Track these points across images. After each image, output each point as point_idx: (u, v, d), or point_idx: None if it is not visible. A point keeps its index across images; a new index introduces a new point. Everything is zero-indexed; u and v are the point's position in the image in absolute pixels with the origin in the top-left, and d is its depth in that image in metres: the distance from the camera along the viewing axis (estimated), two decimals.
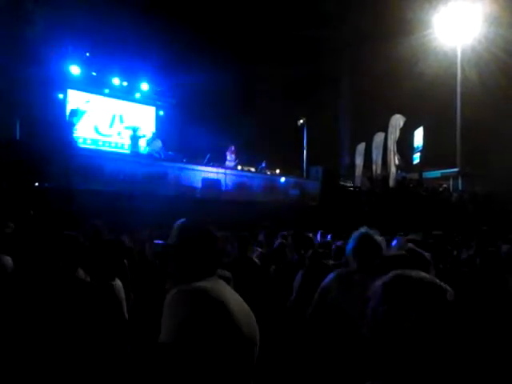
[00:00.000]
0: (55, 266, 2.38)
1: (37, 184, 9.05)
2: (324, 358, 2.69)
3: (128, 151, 15.45)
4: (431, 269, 3.14)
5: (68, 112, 12.70)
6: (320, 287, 2.91)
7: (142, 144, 15.64)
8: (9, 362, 1.92)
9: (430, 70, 22.91)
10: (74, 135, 12.49)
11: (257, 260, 4.34)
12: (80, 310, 2.22)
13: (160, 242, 2.61)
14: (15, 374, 1.90)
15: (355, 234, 2.88)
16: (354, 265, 2.82)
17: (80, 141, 15.63)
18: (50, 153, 9.36)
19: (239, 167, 15.69)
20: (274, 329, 3.55)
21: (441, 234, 4.87)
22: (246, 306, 1.69)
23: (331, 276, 2.90)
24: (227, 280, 3.02)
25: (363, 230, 2.88)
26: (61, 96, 15.70)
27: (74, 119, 12.18)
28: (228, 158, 15.31)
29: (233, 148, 15.46)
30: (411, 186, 18.87)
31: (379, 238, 2.85)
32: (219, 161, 15.18)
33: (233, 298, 1.62)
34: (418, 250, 2.87)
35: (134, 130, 15.24)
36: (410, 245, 3.30)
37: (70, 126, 11.79)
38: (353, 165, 22.21)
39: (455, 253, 4.86)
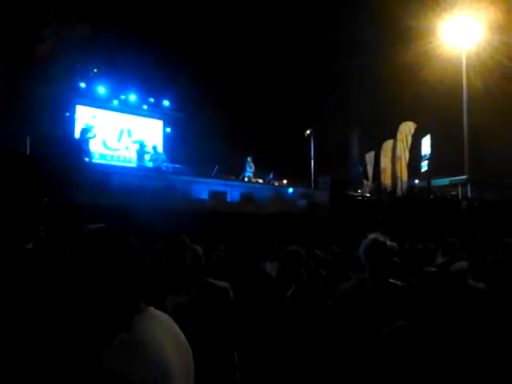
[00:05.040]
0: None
1: (46, 199, 9.10)
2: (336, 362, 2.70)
3: (135, 165, 15.57)
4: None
5: (80, 130, 13.10)
6: (338, 291, 2.94)
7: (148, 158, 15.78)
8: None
9: (436, 77, 22.91)
10: (91, 150, 12.85)
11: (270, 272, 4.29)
12: None
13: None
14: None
15: (366, 239, 2.91)
16: (367, 271, 2.86)
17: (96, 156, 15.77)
18: (59, 168, 9.44)
19: (245, 179, 15.73)
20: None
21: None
22: (180, 340, 1.37)
23: (351, 282, 2.96)
24: (224, 292, 2.97)
25: (373, 235, 2.91)
26: (68, 113, 15.88)
27: (88, 136, 12.56)
28: (248, 169, 15.59)
29: (250, 159, 15.73)
30: (419, 194, 18.77)
31: (390, 243, 2.89)
32: (228, 172, 15.27)
33: (167, 339, 1.28)
34: None
35: (142, 144, 15.36)
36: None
37: (84, 143, 12.13)
38: (361, 174, 22.15)
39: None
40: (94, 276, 1.23)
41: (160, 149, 17.13)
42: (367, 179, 21.42)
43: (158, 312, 1.36)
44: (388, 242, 2.87)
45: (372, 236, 2.90)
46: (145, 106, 18.43)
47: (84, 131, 12.71)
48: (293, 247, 3.38)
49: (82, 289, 1.23)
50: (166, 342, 1.26)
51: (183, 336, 1.40)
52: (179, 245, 3.18)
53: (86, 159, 11.96)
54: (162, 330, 1.29)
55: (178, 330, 1.40)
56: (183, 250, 3.07)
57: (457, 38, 24.16)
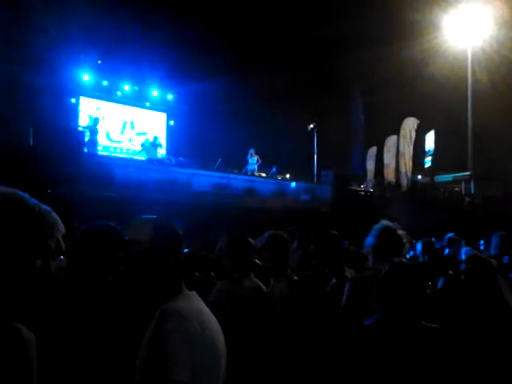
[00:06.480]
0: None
1: (49, 191, 9.10)
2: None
3: (143, 158, 15.55)
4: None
5: (91, 120, 13.28)
6: (342, 303, 2.62)
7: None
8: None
9: (441, 72, 22.76)
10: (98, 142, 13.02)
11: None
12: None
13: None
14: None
15: (376, 227, 2.64)
16: (376, 262, 2.58)
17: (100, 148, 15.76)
18: (62, 159, 9.44)
19: (249, 173, 15.66)
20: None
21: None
22: (218, 327, 1.51)
23: (347, 288, 2.62)
24: (269, 295, 2.72)
25: (384, 222, 2.65)
26: (73, 101, 15.88)
27: (97, 128, 12.73)
28: (250, 161, 15.35)
29: (252, 151, 15.48)
30: (423, 189, 18.75)
31: (402, 233, 2.62)
32: (231, 165, 15.20)
33: (207, 316, 1.48)
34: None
35: (154, 138, 15.26)
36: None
37: (93, 133, 12.31)
38: (364, 169, 22.13)
39: None
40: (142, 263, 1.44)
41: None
42: (367, 175, 21.41)
43: (200, 298, 1.54)
44: (400, 231, 2.60)
45: (382, 224, 2.63)
46: (147, 102, 18.40)
47: (95, 121, 12.89)
48: (278, 232, 2.93)
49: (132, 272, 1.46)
50: (207, 317, 1.45)
51: (219, 325, 1.53)
52: (238, 239, 2.92)
53: (86, 150, 11.96)
54: (203, 309, 1.48)
55: (215, 318, 1.54)
56: (241, 244, 2.83)
57: (462, 33, 23.94)
